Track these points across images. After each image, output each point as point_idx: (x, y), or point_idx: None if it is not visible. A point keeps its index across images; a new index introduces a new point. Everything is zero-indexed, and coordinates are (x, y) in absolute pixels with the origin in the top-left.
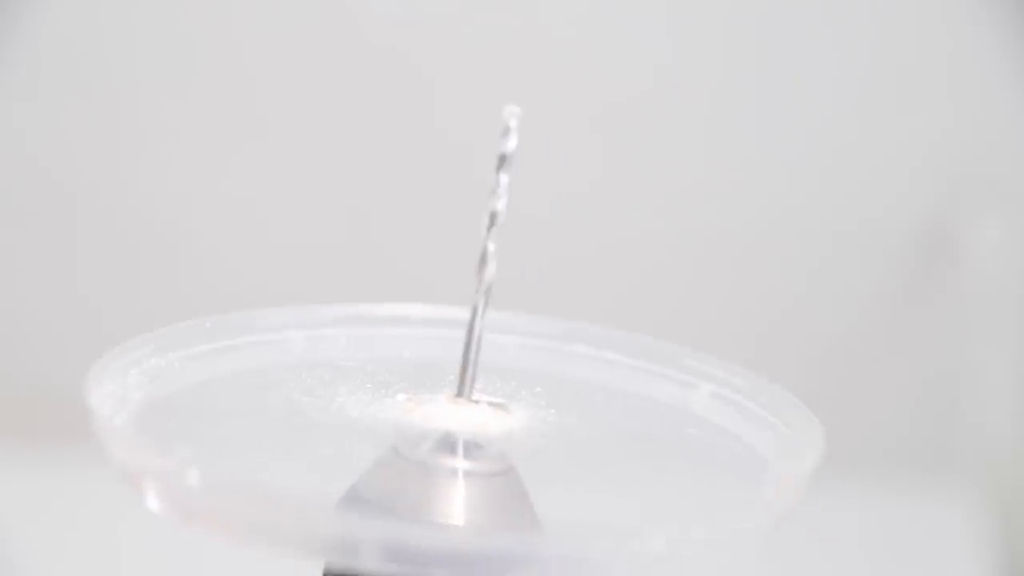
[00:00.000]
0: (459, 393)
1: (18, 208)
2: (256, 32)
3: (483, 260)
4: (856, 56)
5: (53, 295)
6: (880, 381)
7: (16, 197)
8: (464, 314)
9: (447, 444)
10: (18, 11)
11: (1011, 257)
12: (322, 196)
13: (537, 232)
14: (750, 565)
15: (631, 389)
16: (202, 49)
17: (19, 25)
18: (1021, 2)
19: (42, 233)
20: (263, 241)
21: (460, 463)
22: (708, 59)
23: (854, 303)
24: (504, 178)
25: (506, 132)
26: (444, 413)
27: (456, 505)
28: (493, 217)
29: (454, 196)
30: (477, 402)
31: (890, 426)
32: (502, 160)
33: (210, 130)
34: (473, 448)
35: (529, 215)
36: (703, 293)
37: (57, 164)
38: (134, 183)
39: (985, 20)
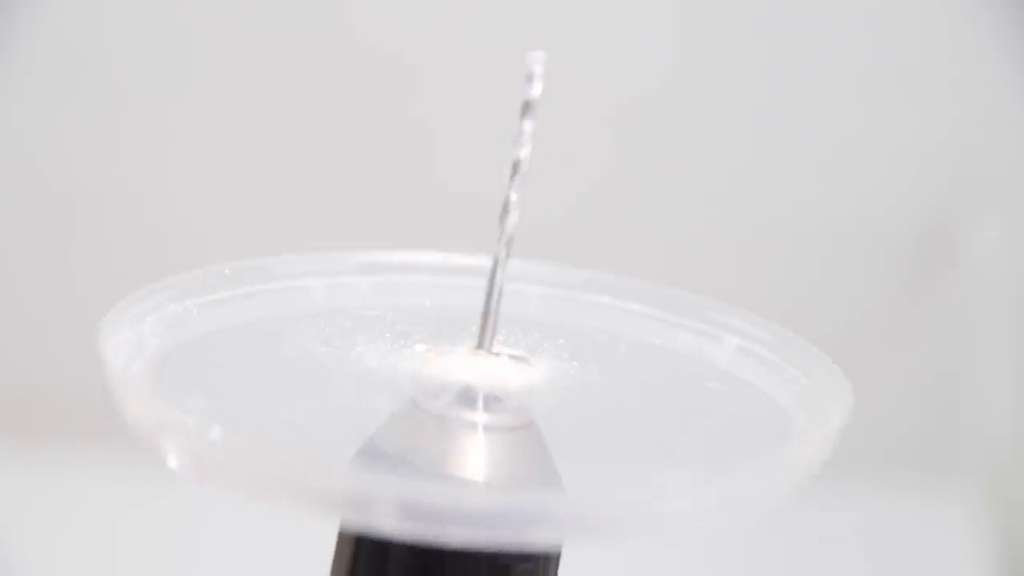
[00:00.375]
0: (480, 345)
1: (16, 208)
2: (254, 33)
3: (505, 209)
4: (858, 56)
5: (52, 295)
6: (880, 381)
7: (14, 197)
8: (487, 263)
9: (467, 397)
10: (17, 11)
11: (1011, 257)
12: (322, 196)
13: (539, 231)
14: (750, 565)
15: (653, 341)
16: (200, 49)
17: (18, 25)
18: (1021, 2)
19: (41, 233)
20: (263, 240)
21: (480, 417)
22: (710, 60)
23: (854, 303)
24: (528, 125)
25: (530, 78)
26: (464, 365)
27: (475, 460)
28: (516, 166)
29: (457, 198)
30: (498, 355)
31: (890, 426)
32: (526, 107)
33: (209, 130)
34: (493, 402)
35: (531, 215)
36: (702, 292)
37: (55, 164)
38: (133, 183)
39: (985, 20)
